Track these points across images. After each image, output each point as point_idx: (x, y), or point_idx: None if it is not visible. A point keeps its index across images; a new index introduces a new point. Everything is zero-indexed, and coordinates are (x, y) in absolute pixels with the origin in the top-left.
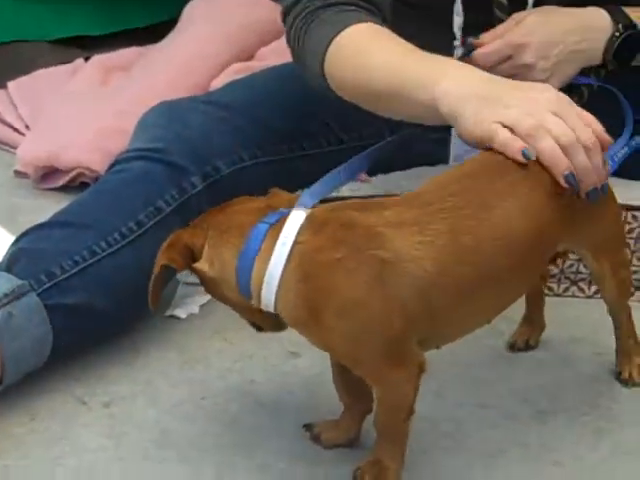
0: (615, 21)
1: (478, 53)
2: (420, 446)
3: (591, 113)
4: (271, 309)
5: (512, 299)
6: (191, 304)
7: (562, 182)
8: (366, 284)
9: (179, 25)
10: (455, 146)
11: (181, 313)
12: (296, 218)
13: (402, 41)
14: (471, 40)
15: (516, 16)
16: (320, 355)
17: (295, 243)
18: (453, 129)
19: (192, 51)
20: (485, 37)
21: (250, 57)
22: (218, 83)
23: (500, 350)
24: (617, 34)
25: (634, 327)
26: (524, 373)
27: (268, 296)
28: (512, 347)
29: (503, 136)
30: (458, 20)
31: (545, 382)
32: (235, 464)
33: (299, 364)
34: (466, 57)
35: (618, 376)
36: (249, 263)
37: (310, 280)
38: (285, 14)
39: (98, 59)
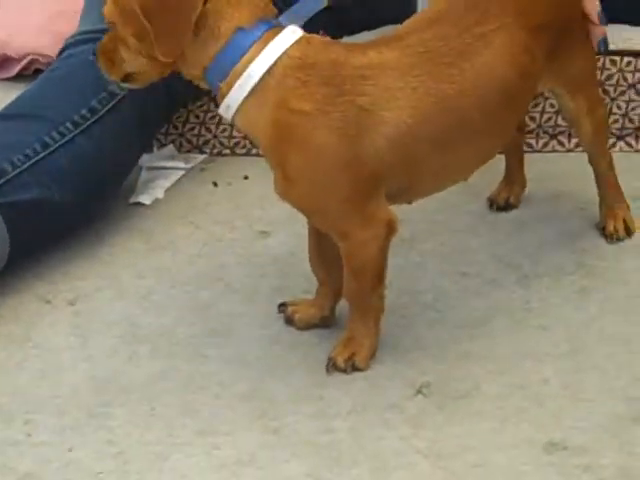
0: None
1: None
2: (402, 320)
3: None
4: (230, 110)
5: (491, 151)
6: (155, 189)
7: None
8: (337, 130)
9: None
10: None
11: (145, 199)
12: (294, 33)
13: None
14: None
15: None
16: (291, 233)
17: (284, 54)
18: None
19: None
20: None
21: None
22: None
23: (482, 215)
24: None
25: (616, 177)
26: (506, 236)
27: (236, 95)
28: (492, 205)
29: None
30: None
31: (528, 243)
32: (208, 355)
33: (269, 244)
34: None
35: (602, 231)
36: (241, 49)
37: (284, 107)
38: None
39: None
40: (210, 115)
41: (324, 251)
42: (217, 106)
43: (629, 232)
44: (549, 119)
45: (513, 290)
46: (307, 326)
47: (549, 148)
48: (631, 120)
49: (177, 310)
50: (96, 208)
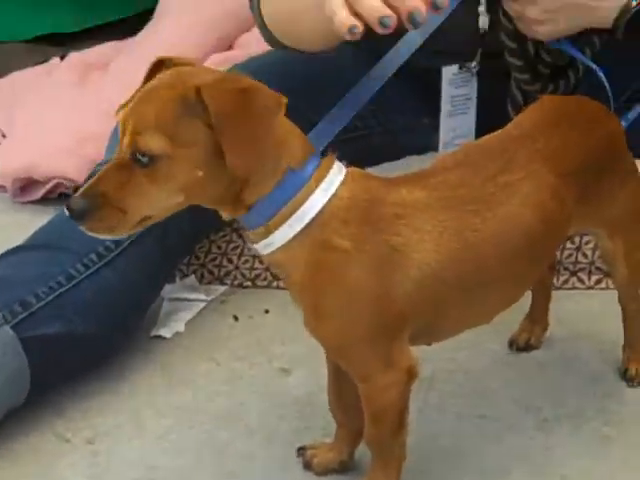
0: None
1: None
2: (418, 465)
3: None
4: (270, 248)
5: (513, 298)
6: (177, 321)
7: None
8: (372, 268)
9: (155, 16)
10: (445, 132)
11: (166, 332)
12: (339, 169)
13: None
14: None
15: None
16: (311, 371)
17: (334, 196)
18: (442, 111)
19: (170, 44)
20: None
21: (230, 45)
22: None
23: (502, 355)
24: (635, 2)
25: None
26: (526, 378)
27: (284, 234)
28: (512, 345)
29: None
30: None
31: (548, 386)
32: None
33: (289, 382)
34: None
35: (624, 374)
36: (293, 190)
37: (326, 245)
38: None
39: (75, 57)
40: (232, 246)
41: (344, 393)
42: (240, 237)
43: None
44: (569, 255)
45: (532, 436)
46: (325, 471)
47: (569, 285)
48: None
49: (195, 451)
50: (119, 341)
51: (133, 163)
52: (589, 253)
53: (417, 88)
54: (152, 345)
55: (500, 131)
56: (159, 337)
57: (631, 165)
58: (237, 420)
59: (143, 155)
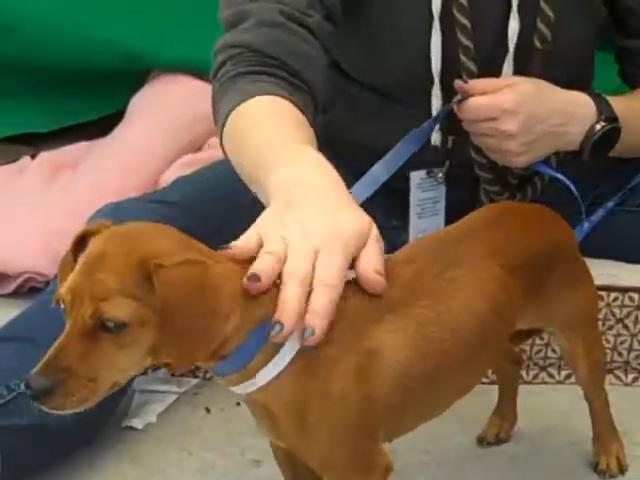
0: (599, 111)
1: (468, 103)
2: None
3: (545, 203)
4: (254, 387)
5: (472, 385)
6: (148, 413)
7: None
8: (355, 376)
9: (125, 118)
10: (414, 234)
11: (138, 423)
12: None
13: (291, 120)
14: (460, 83)
15: (506, 77)
16: None
17: None
18: (410, 214)
19: (139, 146)
20: (476, 83)
21: (199, 148)
22: (168, 177)
23: (472, 448)
24: (598, 126)
25: (610, 414)
26: (498, 472)
27: (264, 377)
28: (482, 441)
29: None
30: (436, 103)
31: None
32: None
33: (261, 474)
34: (456, 104)
35: (595, 467)
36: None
37: (310, 370)
38: (212, 79)
39: (45, 157)
40: None
41: None
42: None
43: (622, 469)
44: (539, 351)
45: None
46: None
47: (539, 380)
48: (620, 354)
49: None
50: (91, 432)
51: (96, 331)
52: (557, 349)
53: (384, 192)
54: (123, 435)
55: (449, 227)
56: (130, 428)
57: (582, 269)
58: None
59: (110, 322)
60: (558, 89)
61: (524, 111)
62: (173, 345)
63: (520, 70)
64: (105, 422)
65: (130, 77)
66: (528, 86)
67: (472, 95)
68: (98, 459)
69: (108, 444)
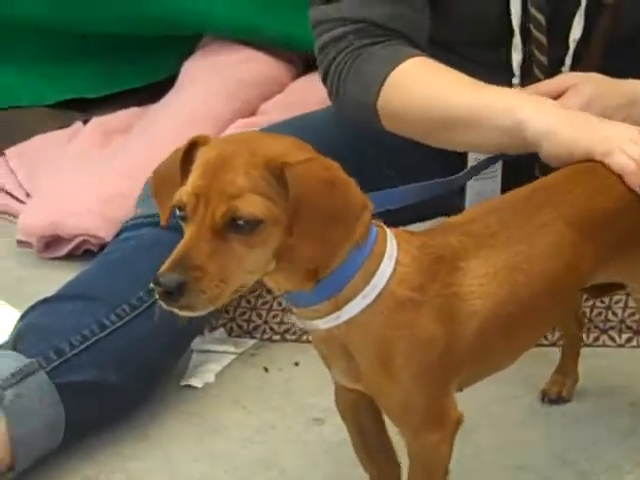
0: None
1: None
2: None
3: None
4: (338, 320)
5: (540, 336)
6: (206, 372)
7: None
8: (440, 320)
9: (178, 84)
10: (470, 196)
11: (197, 382)
12: (390, 234)
13: (464, 75)
14: None
15: (566, 78)
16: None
17: (397, 263)
18: (469, 181)
19: (194, 110)
20: (539, 87)
21: (252, 113)
22: None
23: (535, 407)
24: None
25: None
26: (560, 430)
27: (356, 306)
28: (544, 397)
29: (623, 157)
30: (517, 56)
31: (583, 439)
32: None
33: (323, 431)
34: None
35: None
36: (358, 263)
37: (397, 303)
38: (323, 49)
39: (97, 121)
40: (262, 301)
41: (372, 448)
42: (269, 292)
43: None
44: (599, 314)
45: None
46: None
47: (600, 342)
48: None
49: None
50: (149, 390)
51: (225, 230)
52: (619, 312)
53: (441, 153)
54: (182, 394)
55: (528, 185)
56: (189, 387)
57: None
58: (272, 467)
59: (243, 221)
60: (615, 82)
61: (590, 112)
62: (308, 245)
63: (590, 26)
64: (162, 379)
65: (179, 43)
66: (589, 87)
67: None
68: (159, 417)
69: (168, 403)
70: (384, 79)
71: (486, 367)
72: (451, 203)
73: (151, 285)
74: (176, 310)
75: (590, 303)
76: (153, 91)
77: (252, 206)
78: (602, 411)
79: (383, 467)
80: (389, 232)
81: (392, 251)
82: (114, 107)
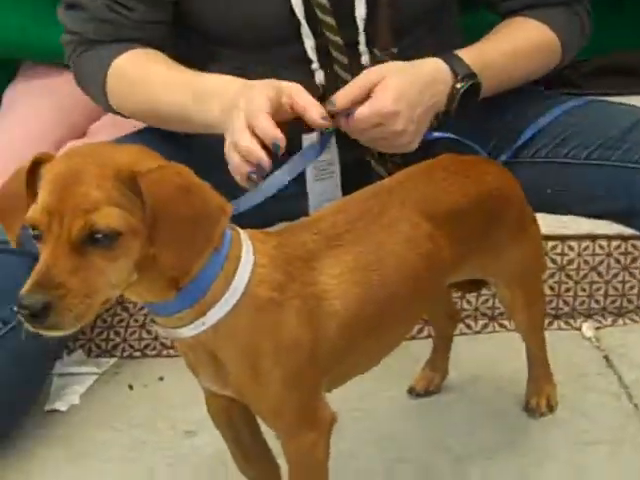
0: (454, 72)
1: (351, 126)
2: None
3: None
4: (204, 327)
5: (405, 334)
6: (70, 395)
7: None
8: (303, 320)
9: (2, 110)
10: (313, 197)
11: (61, 406)
12: (245, 235)
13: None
14: (331, 107)
15: (369, 76)
16: (218, 432)
17: (255, 264)
18: (307, 177)
19: (19, 135)
20: (339, 98)
21: (83, 134)
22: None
23: (404, 400)
24: (458, 86)
25: (546, 357)
26: (432, 420)
27: (222, 309)
28: (411, 392)
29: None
30: (309, 42)
31: (455, 426)
32: None
33: (196, 443)
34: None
35: (525, 406)
36: (218, 265)
37: (259, 310)
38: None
39: None
40: (117, 319)
41: (248, 452)
42: (125, 310)
43: (551, 408)
44: (454, 304)
45: (451, 475)
46: None
47: (456, 332)
48: (597, 301)
49: None
50: (12, 419)
51: (84, 246)
52: (473, 300)
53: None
54: (48, 420)
55: (375, 184)
56: (55, 411)
57: (528, 222)
58: None
59: (102, 234)
60: (417, 64)
61: (403, 106)
62: (169, 253)
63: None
64: (27, 409)
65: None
66: (395, 80)
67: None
68: (23, 444)
69: (33, 430)
70: (103, 81)
71: (354, 367)
72: (296, 206)
73: (4, 313)
74: (43, 331)
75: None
76: None
77: (109, 218)
78: (471, 398)
79: (262, 470)
80: (243, 233)
81: (248, 252)
82: None
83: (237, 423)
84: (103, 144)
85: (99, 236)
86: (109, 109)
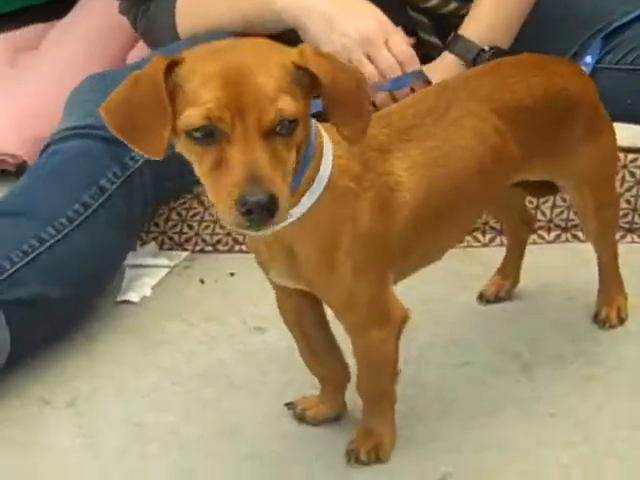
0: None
1: None
2: (413, 412)
3: None
4: (293, 216)
5: (469, 228)
6: (142, 286)
7: None
8: (376, 209)
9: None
10: None
11: (133, 297)
12: (321, 129)
13: None
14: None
15: None
16: (287, 329)
17: (334, 155)
18: None
19: (104, 22)
20: None
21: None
22: (135, 55)
23: (473, 306)
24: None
25: (617, 268)
26: (502, 326)
27: (310, 199)
28: (481, 298)
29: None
30: None
31: (525, 333)
32: (222, 453)
33: (266, 339)
34: None
35: (595, 317)
36: (309, 156)
37: (337, 199)
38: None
39: (2, 39)
40: (192, 213)
41: (318, 352)
42: (200, 203)
43: (621, 320)
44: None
45: (517, 379)
46: (321, 423)
47: (530, 241)
48: None
49: (182, 408)
50: (91, 304)
51: (270, 135)
52: (547, 212)
53: None
54: (120, 310)
55: (442, 80)
56: (127, 302)
57: (602, 124)
58: (220, 377)
59: (287, 121)
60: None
61: None
62: (349, 124)
63: None
64: (100, 294)
65: None
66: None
67: None
68: (99, 333)
69: (107, 319)
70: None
71: (420, 258)
72: None
73: (84, 198)
74: (266, 227)
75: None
76: (56, 7)
77: (291, 106)
78: (540, 306)
79: (331, 368)
80: (317, 124)
81: (327, 142)
82: (18, 24)
83: (306, 321)
84: (231, 42)
85: (282, 126)
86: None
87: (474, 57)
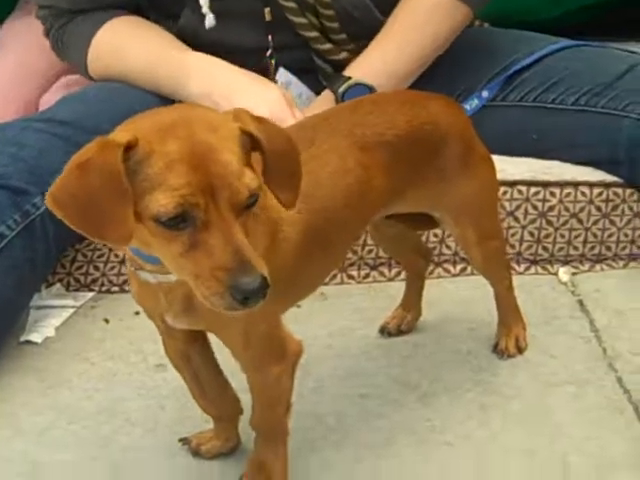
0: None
1: None
2: (307, 443)
3: None
4: None
5: (346, 252)
6: (46, 327)
7: None
8: (270, 251)
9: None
10: None
11: (36, 337)
12: None
13: (156, 32)
14: None
15: None
16: None
17: None
18: None
19: (15, 69)
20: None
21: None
22: (49, 99)
23: (374, 339)
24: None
25: (514, 298)
26: (402, 358)
27: None
28: (383, 331)
29: None
30: None
31: (424, 364)
32: None
33: (166, 376)
34: None
35: (495, 348)
36: None
37: None
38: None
39: None
40: (98, 254)
41: (207, 391)
42: (105, 244)
43: (520, 349)
44: (434, 248)
45: (413, 408)
46: (216, 456)
47: (435, 275)
48: (512, 246)
49: (78, 446)
50: None
51: (242, 211)
52: (452, 245)
53: None
54: (22, 351)
55: (312, 115)
56: (29, 342)
57: (478, 156)
58: (117, 414)
59: (254, 197)
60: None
61: None
62: (285, 191)
63: None
64: (1, 338)
65: None
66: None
67: None
68: (0, 374)
69: (8, 360)
70: (88, 43)
71: (303, 288)
72: None
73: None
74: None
75: (424, 238)
76: None
77: (254, 179)
78: (443, 338)
79: (222, 407)
80: None
81: None
82: None
83: (196, 363)
84: (183, 109)
85: (250, 200)
86: (89, 79)
87: (343, 93)
